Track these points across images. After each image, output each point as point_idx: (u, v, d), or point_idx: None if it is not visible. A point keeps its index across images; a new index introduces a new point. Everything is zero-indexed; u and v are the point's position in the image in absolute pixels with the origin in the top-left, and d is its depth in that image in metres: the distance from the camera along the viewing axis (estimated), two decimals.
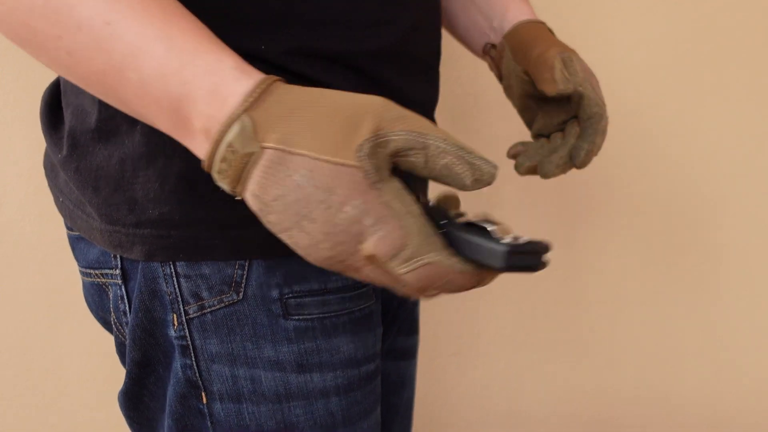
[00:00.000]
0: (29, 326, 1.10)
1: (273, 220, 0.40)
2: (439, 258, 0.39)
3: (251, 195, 0.40)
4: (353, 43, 0.52)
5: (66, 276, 1.09)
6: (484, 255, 0.38)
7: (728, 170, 1.18)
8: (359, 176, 0.38)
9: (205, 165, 0.41)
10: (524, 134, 0.73)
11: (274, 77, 0.41)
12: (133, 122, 0.51)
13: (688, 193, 1.18)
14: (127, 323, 0.55)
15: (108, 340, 1.08)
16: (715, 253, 1.20)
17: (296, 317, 0.52)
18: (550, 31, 0.69)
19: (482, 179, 0.40)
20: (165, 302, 0.52)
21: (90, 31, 0.39)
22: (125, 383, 0.55)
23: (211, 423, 0.52)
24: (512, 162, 0.72)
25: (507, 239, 0.38)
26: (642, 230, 1.19)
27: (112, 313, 0.56)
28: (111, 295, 0.56)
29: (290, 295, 0.51)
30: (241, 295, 0.51)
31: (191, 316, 0.51)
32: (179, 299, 0.51)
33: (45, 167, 0.61)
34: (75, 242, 0.60)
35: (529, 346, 1.21)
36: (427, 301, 1.16)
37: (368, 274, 0.41)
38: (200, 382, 0.52)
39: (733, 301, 1.22)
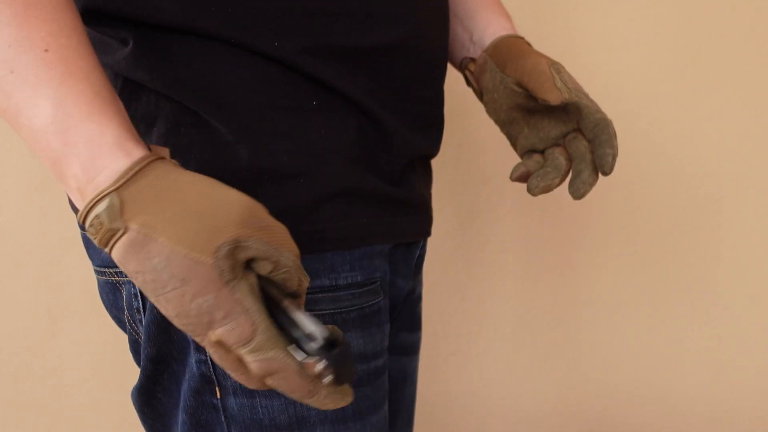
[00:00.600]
0: (29, 326, 1.10)
1: (137, 284, 0.42)
2: (280, 355, 0.42)
3: (116, 260, 0.42)
4: (362, 39, 0.53)
5: (66, 276, 1.09)
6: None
7: (727, 170, 1.19)
8: (214, 274, 0.40)
9: (79, 219, 0.43)
10: None
11: (156, 156, 0.43)
12: (149, 124, 0.52)
13: (687, 192, 1.19)
14: (140, 320, 0.55)
15: (108, 340, 1.09)
16: (713, 252, 1.21)
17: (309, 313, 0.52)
18: (529, 45, 0.69)
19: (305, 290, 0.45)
20: None
21: None
22: (140, 379, 0.55)
23: (225, 417, 0.53)
24: (511, 162, 0.71)
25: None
26: (641, 230, 1.20)
27: (126, 311, 0.57)
28: (124, 293, 0.57)
29: None
30: None
31: None
32: None
33: None
34: (89, 241, 0.60)
35: (529, 345, 1.22)
36: (429, 301, 1.17)
37: (212, 353, 0.43)
38: (214, 377, 0.52)
39: (732, 301, 1.22)
